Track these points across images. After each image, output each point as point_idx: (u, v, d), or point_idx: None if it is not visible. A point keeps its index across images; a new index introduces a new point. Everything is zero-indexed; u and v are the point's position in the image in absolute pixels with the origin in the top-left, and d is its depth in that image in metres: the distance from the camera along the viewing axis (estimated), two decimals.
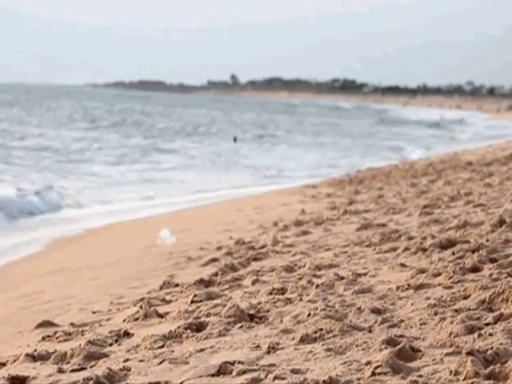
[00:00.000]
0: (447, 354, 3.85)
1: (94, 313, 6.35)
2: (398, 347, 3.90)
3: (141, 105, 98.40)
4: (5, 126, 46.01)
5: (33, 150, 31.54)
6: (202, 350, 4.47)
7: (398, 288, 5.62)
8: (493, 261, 6.18)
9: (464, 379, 3.48)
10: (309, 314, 4.89)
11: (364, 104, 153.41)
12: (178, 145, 37.85)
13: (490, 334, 4.06)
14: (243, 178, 24.72)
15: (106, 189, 21.02)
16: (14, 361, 4.74)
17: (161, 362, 4.29)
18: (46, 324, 5.90)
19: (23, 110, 69.58)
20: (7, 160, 26.97)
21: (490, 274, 5.63)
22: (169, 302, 6.30)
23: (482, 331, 4.12)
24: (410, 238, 7.93)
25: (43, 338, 5.36)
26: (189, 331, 4.89)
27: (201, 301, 6.02)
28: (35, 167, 25.66)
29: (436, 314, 4.67)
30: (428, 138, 49.07)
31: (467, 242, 7.14)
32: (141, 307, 5.99)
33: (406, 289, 5.57)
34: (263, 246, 8.80)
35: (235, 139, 37.74)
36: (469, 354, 3.65)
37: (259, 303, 5.59)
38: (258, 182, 23.26)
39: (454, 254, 6.73)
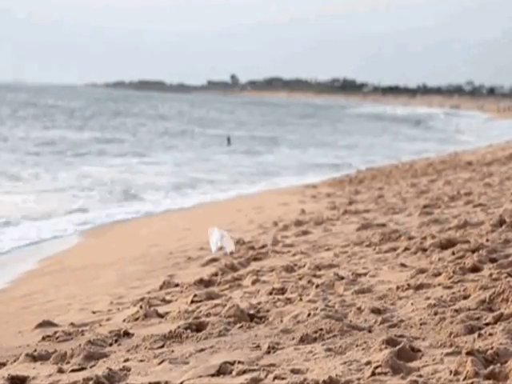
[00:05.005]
0: (447, 354, 3.85)
1: (94, 313, 6.35)
2: (397, 347, 3.90)
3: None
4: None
5: None
6: (201, 350, 4.47)
7: (397, 288, 5.62)
8: (493, 261, 6.18)
9: (464, 379, 3.48)
10: (309, 314, 4.89)
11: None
12: None
13: (490, 334, 4.06)
14: None
15: None
16: (14, 361, 4.74)
17: (161, 362, 4.28)
18: (46, 324, 5.90)
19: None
20: None
21: (490, 274, 5.63)
22: (169, 301, 6.30)
23: (482, 331, 4.12)
24: (410, 238, 7.93)
25: (43, 338, 5.36)
26: (189, 331, 4.89)
27: (201, 301, 6.02)
28: None
29: (436, 314, 4.67)
30: None
31: (467, 242, 7.13)
32: (141, 307, 5.98)
33: (406, 289, 5.57)
34: (263, 246, 8.79)
35: (229, 140, 37.19)
36: (469, 353, 3.65)
37: (259, 303, 5.59)
38: None
39: (453, 253, 6.73)
